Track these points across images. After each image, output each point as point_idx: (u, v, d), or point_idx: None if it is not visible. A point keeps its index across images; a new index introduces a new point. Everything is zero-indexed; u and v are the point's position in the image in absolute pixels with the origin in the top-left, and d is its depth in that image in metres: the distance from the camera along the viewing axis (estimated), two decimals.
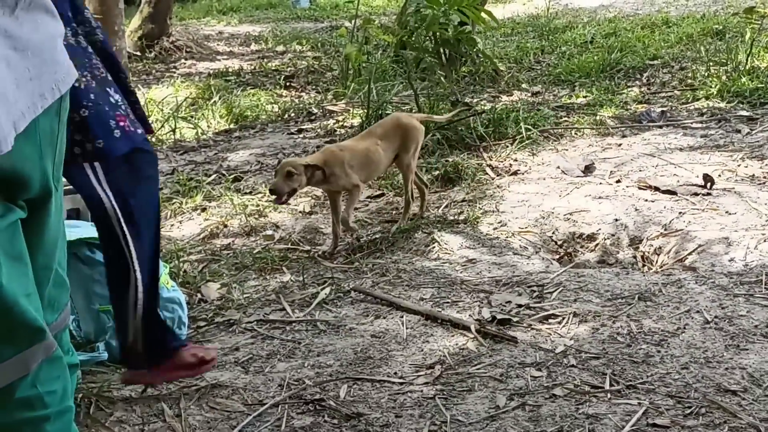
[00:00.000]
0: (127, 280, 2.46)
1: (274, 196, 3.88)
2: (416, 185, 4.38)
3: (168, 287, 3.18)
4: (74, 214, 3.56)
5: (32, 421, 1.58)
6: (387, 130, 4.19)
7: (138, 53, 9.67)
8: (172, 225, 4.59)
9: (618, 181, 4.68)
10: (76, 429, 1.73)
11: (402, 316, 3.33)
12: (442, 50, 7.70)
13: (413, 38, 7.80)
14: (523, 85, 7.43)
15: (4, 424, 1.55)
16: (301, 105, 7.23)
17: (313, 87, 8.01)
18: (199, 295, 3.64)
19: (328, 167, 3.90)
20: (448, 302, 3.44)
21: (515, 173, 5.00)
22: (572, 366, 2.86)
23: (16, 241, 1.54)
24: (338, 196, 4.12)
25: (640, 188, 4.55)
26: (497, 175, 4.98)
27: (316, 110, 6.97)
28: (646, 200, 4.38)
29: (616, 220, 4.20)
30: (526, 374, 2.82)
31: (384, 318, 3.34)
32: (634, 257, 3.93)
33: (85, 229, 3.13)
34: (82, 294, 3.06)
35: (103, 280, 3.02)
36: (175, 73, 8.99)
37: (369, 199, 4.72)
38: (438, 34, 7.62)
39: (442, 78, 7.20)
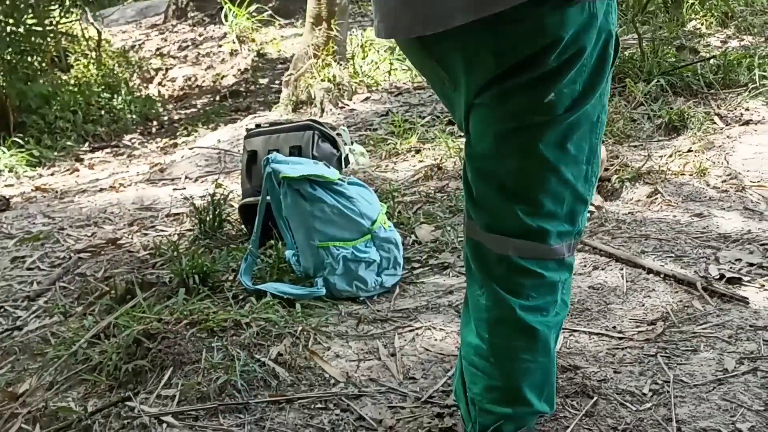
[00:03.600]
0: None
1: None
2: None
3: (385, 227, 3.20)
4: (296, 152, 3.65)
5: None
6: None
7: None
8: (387, 165, 4.63)
9: None
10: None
11: (622, 269, 3.19)
12: None
13: None
14: (756, 30, 6.92)
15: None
16: None
17: None
18: (413, 237, 3.64)
19: None
20: (671, 257, 3.27)
21: (747, 123, 4.67)
22: None
23: None
24: None
25: None
26: (726, 125, 4.68)
27: None
28: None
29: None
30: (758, 338, 2.63)
31: (603, 269, 3.21)
32: None
33: (308, 167, 3.19)
34: (303, 230, 3.13)
35: (324, 216, 3.08)
36: None
37: None
38: None
39: (667, 21, 6.82)
